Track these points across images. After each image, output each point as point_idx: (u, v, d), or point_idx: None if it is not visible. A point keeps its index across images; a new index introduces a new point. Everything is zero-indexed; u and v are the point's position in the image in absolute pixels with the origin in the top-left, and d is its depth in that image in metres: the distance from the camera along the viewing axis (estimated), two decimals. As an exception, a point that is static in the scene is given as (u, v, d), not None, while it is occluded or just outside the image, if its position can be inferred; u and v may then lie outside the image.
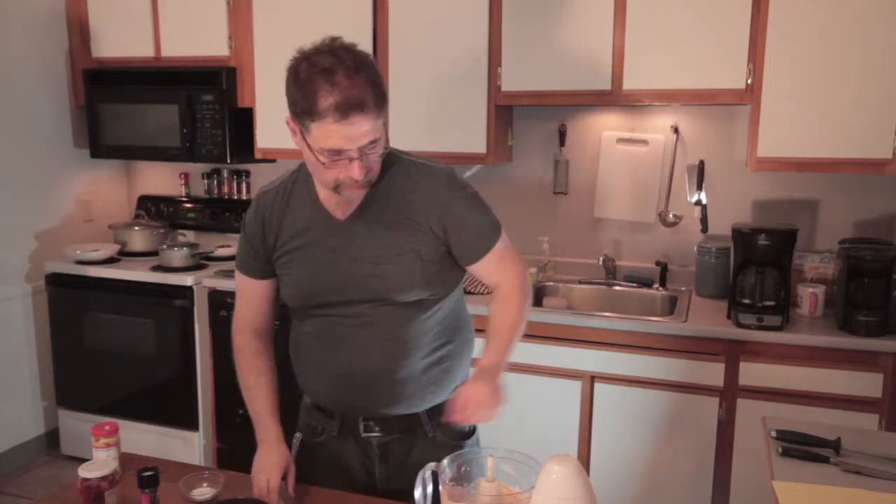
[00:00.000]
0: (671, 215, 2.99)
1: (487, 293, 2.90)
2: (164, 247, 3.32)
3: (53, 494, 1.60)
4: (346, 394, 1.51)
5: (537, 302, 2.92)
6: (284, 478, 1.49)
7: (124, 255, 3.49)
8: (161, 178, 3.87)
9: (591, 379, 2.63)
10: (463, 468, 1.30)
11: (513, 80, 2.82)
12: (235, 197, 3.70)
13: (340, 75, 1.27)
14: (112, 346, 3.30)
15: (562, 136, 3.12)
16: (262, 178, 3.65)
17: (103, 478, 1.39)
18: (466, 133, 2.90)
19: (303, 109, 1.30)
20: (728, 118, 2.92)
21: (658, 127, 3.01)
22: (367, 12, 2.95)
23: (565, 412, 2.67)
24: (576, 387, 2.65)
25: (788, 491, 1.43)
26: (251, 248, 1.56)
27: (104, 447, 1.50)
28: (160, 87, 3.30)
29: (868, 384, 2.35)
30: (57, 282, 3.38)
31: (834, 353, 2.38)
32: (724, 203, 2.95)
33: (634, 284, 3.02)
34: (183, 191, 3.80)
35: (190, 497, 1.41)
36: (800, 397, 2.41)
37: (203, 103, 3.24)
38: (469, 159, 2.95)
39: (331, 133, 1.29)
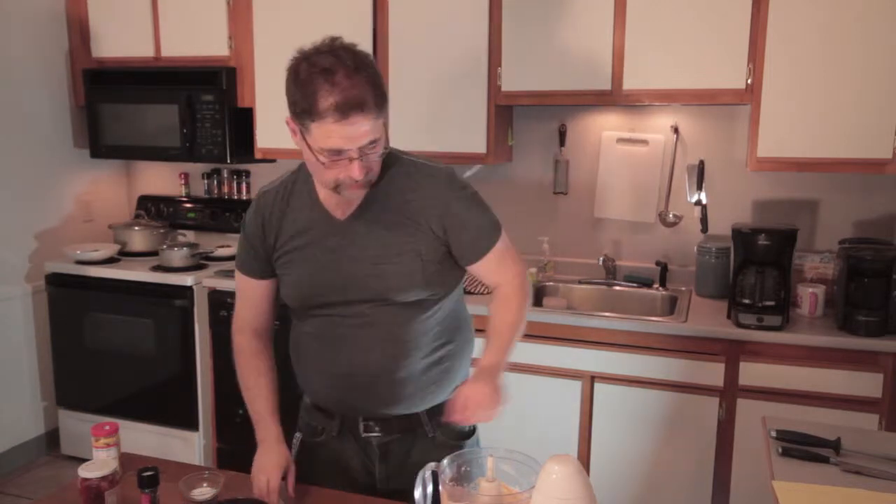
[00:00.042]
0: (671, 215, 2.99)
1: (488, 293, 2.90)
2: (164, 247, 3.32)
3: (53, 494, 1.60)
4: (346, 394, 1.51)
5: (537, 302, 2.92)
6: (284, 478, 1.49)
7: (124, 255, 3.49)
8: (161, 178, 3.87)
9: (591, 379, 2.63)
10: (463, 468, 1.30)
11: (513, 80, 2.82)
12: (235, 197, 3.70)
13: (340, 75, 1.27)
14: (112, 346, 3.30)
15: (562, 136, 3.12)
16: (262, 178, 3.65)
17: (103, 478, 1.39)
18: (466, 133, 2.90)
19: (303, 109, 1.30)
20: (728, 118, 2.92)
21: (658, 127, 3.01)
22: (367, 12, 2.96)
23: (565, 412, 2.67)
24: (576, 387, 2.65)
25: (788, 491, 1.43)
26: (251, 248, 1.56)
27: (104, 447, 1.50)
28: (160, 87, 3.30)
29: (868, 384, 2.35)
30: (57, 282, 3.38)
31: (834, 353, 2.38)
32: (724, 203, 2.95)
33: (634, 284, 3.02)
34: (183, 191, 3.80)
35: (190, 497, 1.41)
36: (800, 397, 2.41)
37: (203, 103, 3.24)
38: (469, 159, 2.95)
39: (331, 133, 1.28)
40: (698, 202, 2.92)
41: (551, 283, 3.07)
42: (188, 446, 3.24)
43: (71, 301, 3.35)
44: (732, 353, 2.47)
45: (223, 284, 3.09)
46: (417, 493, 1.29)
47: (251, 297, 1.60)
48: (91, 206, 3.72)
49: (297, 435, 1.64)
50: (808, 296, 2.61)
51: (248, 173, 3.67)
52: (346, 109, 1.26)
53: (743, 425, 2.47)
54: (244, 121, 3.26)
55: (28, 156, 3.39)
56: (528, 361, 2.64)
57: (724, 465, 2.53)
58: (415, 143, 2.65)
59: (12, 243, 3.35)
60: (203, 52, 3.25)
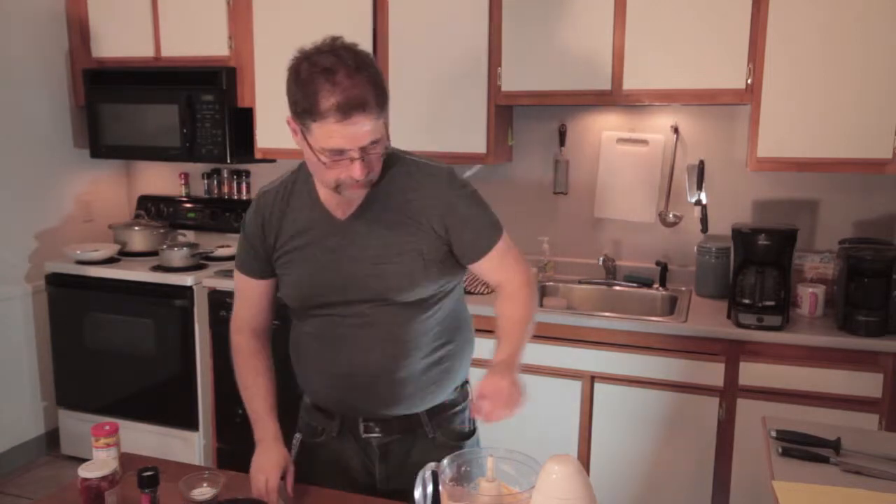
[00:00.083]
0: (671, 215, 2.99)
1: (488, 293, 2.90)
2: (164, 247, 3.32)
3: (53, 494, 1.60)
4: (345, 394, 1.51)
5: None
6: (283, 477, 1.49)
7: (124, 255, 3.49)
8: (161, 178, 3.87)
9: (591, 379, 2.63)
10: (463, 468, 1.30)
11: (513, 80, 2.82)
12: (235, 197, 3.70)
13: (341, 75, 1.27)
14: (112, 346, 3.30)
15: (562, 136, 3.12)
16: (262, 178, 3.65)
17: (103, 478, 1.38)
18: (466, 133, 2.90)
19: (304, 109, 1.29)
20: (728, 118, 2.92)
21: (658, 127, 3.01)
22: (367, 12, 2.96)
23: (565, 412, 2.67)
24: (576, 387, 2.65)
25: (788, 491, 1.43)
26: (251, 248, 1.56)
27: (104, 447, 1.50)
28: (160, 87, 3.30)
29: (868, 384, 2.35)
30: (57, 282, 3.38)
31: (834, 353, 2.38)
32: (724, 203, 2.95)
33: (634, 284, 3.02)
34: (183, 191, 3.80)
35: (190, 497, 1.41)
36: (800, 397, 2.41)
37: (203, 103, 3.24)
38: (469, 159, 2.95)
39: (332, 133, 1.28)
40: (698, 202, 2.92)
41: (551, 283, 3.07)
42: (188, 446, 3.24)
43: (71, 301, 3.35)
44: (732, 353, 2.47)
45: (223, 284, 3.09)
46: (417, 493, 1.29)
47: (250, 296, 1.60)
48: (91, 206, 3.72)
49: (297, 435, 1.64)
50: (808, 296, 2.61)
51: (248, 173, 3.67)
52: (347, 109, 1.26)
53: (743, 425, 2.47)
54: (244, 121, 3.26)
55: (28, 156, 3.39)
56: (528, 361, 2.59)
57: (724, 465, 2.53)
58: (415, 143, 2.64)
59: (12, 243, 3.35)
60: (203, 52, 3.25)
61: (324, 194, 1.48)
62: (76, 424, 3.40)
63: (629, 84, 2.67)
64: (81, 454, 3.34)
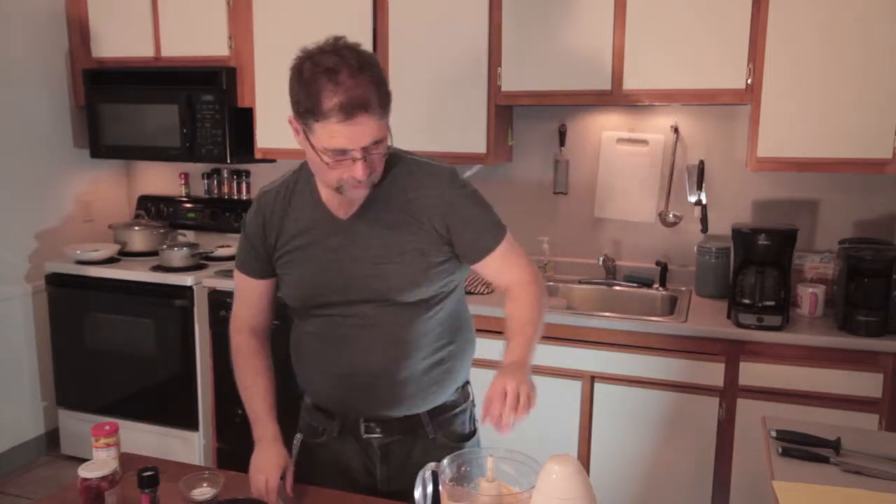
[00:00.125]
0: (671, 215, 2.99)
1: (488, 292, 2.90)
2: (164, 247, 3.32)
3: (53, 494, 1.60)
4: (347, 394, 1.51)
5: (537, 302, 2.92)
6: (283, 477, 1.49)
7: (124, 255, 3.49)
8: (161, 178, 3.87)
9: (591, 379, 2.63)
10: (463, 468, 1.30)
11: (513, 80, 2.82)
12: (235, 197, 3.70)
13: (344, 75, 1.26)
14: (112, 346, 3.30)
15: (562, 136, 3.12)
16: (262, 178, 3.65)
17: (103, 478, 1.38)
18: (466, 133, 2.90)
19: (306, 109, 1.29)
20: (728, 118, 2.92)
21: (658, 127, 3.01)
22: (367, 12, 2.96)
23: (565, 412, 2.67)
24: (576, 387, 2.65)
25: (788, 491, 1.43)
26: (251, 248, 1.56)
27: (104, 447, 1.50)
28: (160, 87, 3.30)
29: (868, 384, 2.35)
30: (57, 282, 3.38)
31: (834, 353, 2.38)
32: (724, 203, 2.95)
33: (634, 284, 3.02)
34: (183, 191, 3.80)
35: (190, 497, 1.41)
36: (800, 397, 2.41)
37: (203, 103, 3.24)
38: (469, 159, 2.95)
39: (334, 133, 1.28)
40: (698, 202, 2.92)
41: (551, 283, 3.07)
42: (188, 446, 3.24)
43: (71, 301, 3.35)
44: (732, 353, 2.47)
45: (223, 284, 3.09)
46: (417, 494, 1.29)
47: (250, 296, 1.60)
48: (91, 206, 3.72)
49: (298, 436, 1.64)
50: (808, 296, 2.61)
51: (248, 173, 3.67)
52: (350, 109, 1.26)
53: (743, 425, 2.47)
54: (244, 121, 3.26)
55: (28, 156, 3.39)
56: (528, 361, 2.64)
57: (724, 465, 2.53)
58: (415, 143, 2.63)
59: (12, 243, 3.35)
60: (203, 52, 3.25)
61: (325, 194, 1.47)
62: (76, 424, 3.40)
63: (629, 84, 2.67)
64: (81, 454, 3.34)
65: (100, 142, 3.47)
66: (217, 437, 3.24)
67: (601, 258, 3.08)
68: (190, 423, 3.23)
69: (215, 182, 3.72)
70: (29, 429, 3.46)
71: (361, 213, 1.46)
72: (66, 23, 3.49)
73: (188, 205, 3.74)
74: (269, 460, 1.49)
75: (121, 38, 3.39)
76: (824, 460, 1.55)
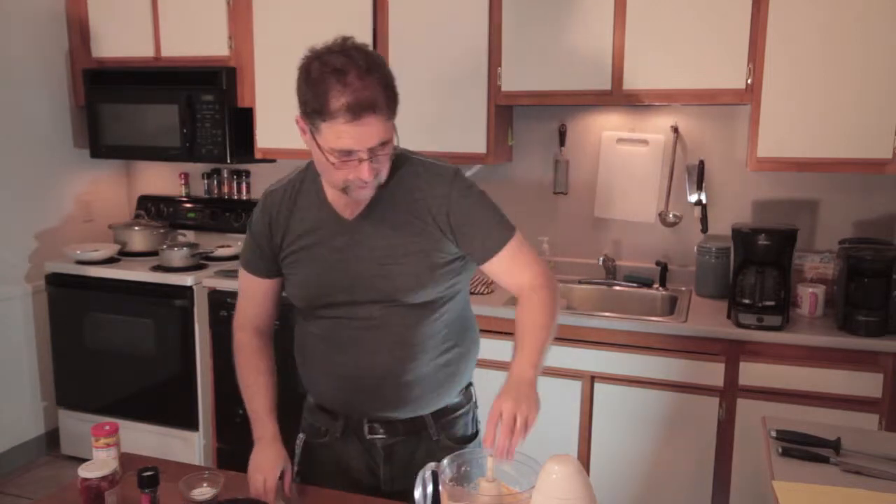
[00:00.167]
0: (671, 215, 2.99)
1: (489, 293, 2.90)
2: (164, 247, 3.32)
3: (53, 494, 1.60)
4: (352, 396, 1.51)
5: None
6: (282, 477, 1.48)
7: (124, 255, 3.49)
8: (161, 178, 3.87)
9: (591, 379, 2.63)
10: (463, 468, 1.30)
11: (513, 80, 2.82)
12: (235, 197, 3.70)
13: (352, 76, 1.26)
14: (112, 346, 3.30)
15: (562, 136, 3.12)
16: (262, 177, 3.65)
17: (103, 478, 1.38)
18: (466, 133, 2.90)
19: (313, 109, 1.29)
20: (728, 118, 2.92)
21: (658, 127, 3.01)
22: (367, 12, 2.96)
23: (565, 412, 2.67)
24: (576, 387, 2.65)
25: (788, 491, 1.43)
26: (257, 248, 1.56)
27: (104, 447, 1.50)
28: (160, 87, 3.30)
29: (868, 384, 2.35)
30: (57, 282, 3.38)
31: (834, 353, 2.38)
32: (724, 203, 2.95)
33: (634, 284, 3.02)
34: (183, 191, 3.80)
35: (190, 497, 1.41)
36: (800, 397, 2.41)
37: (203, 103, 3.24)
38: (469, 159, 2.95)
39: (341, 133, 1.28)
40: (698, 202, 2.92)
41: (551, 283, 3.06)
42: (188, 446, 3.24)
43: (71, 301, 3.35)
44: (732, 353, 2.47)
45: (223, 284, 3.09)
46: (417, 493, 1.29)
47: (254, 295, 1.60)
48: (91, 206, 3.72)
49: (301, 436, 1.64)
50: (808, 296, 2.61)
51: (248, 173, 3.67)
52: (357, 110, 1.25)
53: (743, 425, 2.47)
54: (244, 121, 3.26)
55: (28, 156, 3.39)
56: (528, 361, 2.64)
57: (724, 465, 2.53)
58: (415, 143, 2.62)
59: (12, 243, 3.35)
60: (203, 52, 3.25)
61: (331, 194, 1.47)
62: (76, 424, 3.40)
63: (629, 84, 2.67)
64: (81, 454, 3.34)
65: (100, 142, 3.47)
66: (217, 437, 3.24)
67: (601, 258, 3.08)
68: (190, 423, 3.23)
69: (215, 182, 3.72)
70: (29, 429, 3.46)
71: (367, 213, 1.46)
72: (66, 23, 3.49)
73: (188, 205, 3.74)
74: (267, 460, 1.49)
75: (121, 38, 3.39)
76: (824, 460, 1.55)
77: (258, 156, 3.26)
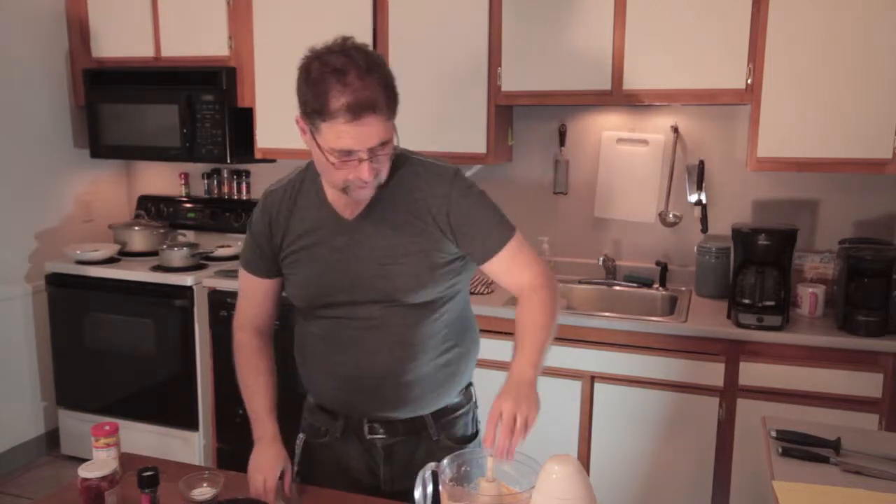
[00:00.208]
0: (671, 215, 2.99)
1: (489, 293, 2.90)
2: (164, 247, 3.32)
3: (53, 494, 1.60)
4: (352, 396, 1.51)
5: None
6: (282, 477, 1.48)
7: (124, 255, 3.49)
8: (161, 178, 3.87)
9: (591, 379, 2.63)
10: (463, 468, 1.30)
11: (513, 80, 2.82)
12: (235, 197, 3.70)
13: (352, 76, 1.26)
14: (112, 346, 3.30)
15: (562, 136, 3.12)
16: (262, 178, 3.65)
17: (103, 478, 1.38)
18: (466, 133, 2.90)
19: (313, 109, 1.29)
20: (728, 118, 2.92)
21: (658, 127, 3.01)
22: (367, 12, 2.96)
23: (565, 412, 2.67)
24: (576, 387, 2.65)
25: (788, 491, 1.43)
26: (257, 248, 1.56)
27: (104, 447, 1.50)
28: (160, 87, 3.30)
29: (868, 384, 2.35)
30: (57, 282, 3.38)
31: (834, 353, 2.38)
32: (724, 203, 2.95)
33: (634, 284, 3.02)
34: (183, 191, 3.80)
35: (190, 497, 1.41)
36: (800, 397, 2.41)
37: (203, 103, 3.24)
38: (469, 159, 2.95)
39: (341, 134, 1.28)
40: (698, 202, 2.92)
41: (551, 283, 3.06)
42: (188, 446, 3.24)
43: (71, 301, 3.35)
44: (732, 353, 2.47)
45: (223, 284, 3.09)
46: (417, 493, 1.29)
47: (254, 295, 1.60)
48: (91, 206, 3.72)
49: (301, 436, 1.64)
50: (808, 296, 2.61)
51: (248, 173, 3.67)
52: (357, 110, 1.25)
53: (743, 425, 2.47)
54: (244, 121, 3.26)
55: (28, 156, 3.39)
56: (528, 361, 2.64)
57: (724, 465, 2.53)
58: (415, 143, 2.62)
59: (12, 243, 3.35)
60: (203, 52, 3.25)
61: (331, 194, 1.47)
62: (76, 424, 3.40)
63: (629, 84, 2.67)
64: (81, 454, 3.34)
65: (100, 142, 3.47)
66: (217, 437, 3.24)
67: (601, 258, 3.08)
68: (190, 423, 3.23)
69: (215, 182, 3.72)
70: (29, 429, 3.46)
71: (367, 213, 1.46)
72: (66, 23, 3.49)
73: (188, 205, 3.74)
74: (267, 460, 1.49)
75: (121, 38, 3.39)
76: (824, 460, 1.55)
77: (258, 156, 3.26)
